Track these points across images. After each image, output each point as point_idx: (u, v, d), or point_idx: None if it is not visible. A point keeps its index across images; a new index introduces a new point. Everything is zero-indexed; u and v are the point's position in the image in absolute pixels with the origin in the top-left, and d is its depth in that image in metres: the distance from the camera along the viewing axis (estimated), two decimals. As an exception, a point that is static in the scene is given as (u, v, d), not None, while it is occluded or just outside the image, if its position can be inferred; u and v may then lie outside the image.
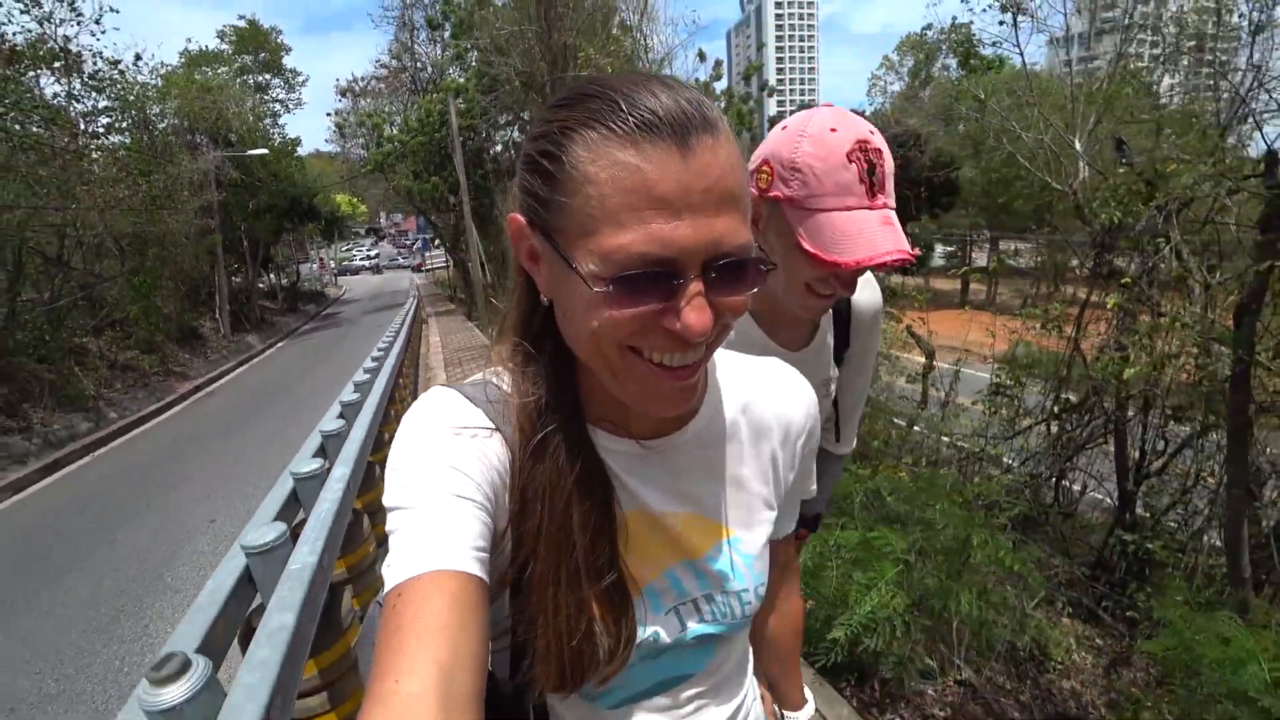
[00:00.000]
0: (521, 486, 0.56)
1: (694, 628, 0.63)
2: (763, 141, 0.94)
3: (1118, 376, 4.79)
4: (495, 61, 12.26)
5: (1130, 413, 5.03)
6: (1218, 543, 4.30)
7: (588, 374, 0.57)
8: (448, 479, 0.51)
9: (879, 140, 0.86)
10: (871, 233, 0.84)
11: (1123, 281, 4.81)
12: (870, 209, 0.85)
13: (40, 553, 5.36)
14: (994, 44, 8.30)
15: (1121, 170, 5.07)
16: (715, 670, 0.68)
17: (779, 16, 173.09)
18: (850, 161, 0.84)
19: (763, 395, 0.69)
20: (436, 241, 31.97)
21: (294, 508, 2.01)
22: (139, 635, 3.82)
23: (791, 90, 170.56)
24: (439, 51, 19.94)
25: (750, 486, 0.67)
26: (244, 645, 1.40)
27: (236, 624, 1.40)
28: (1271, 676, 1.47)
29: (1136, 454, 5.05)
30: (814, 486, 0.78)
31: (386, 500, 0.52)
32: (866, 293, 1.17)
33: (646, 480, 0.62)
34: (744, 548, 0.66)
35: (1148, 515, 5.14)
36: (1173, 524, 5.04)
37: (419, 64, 21.36)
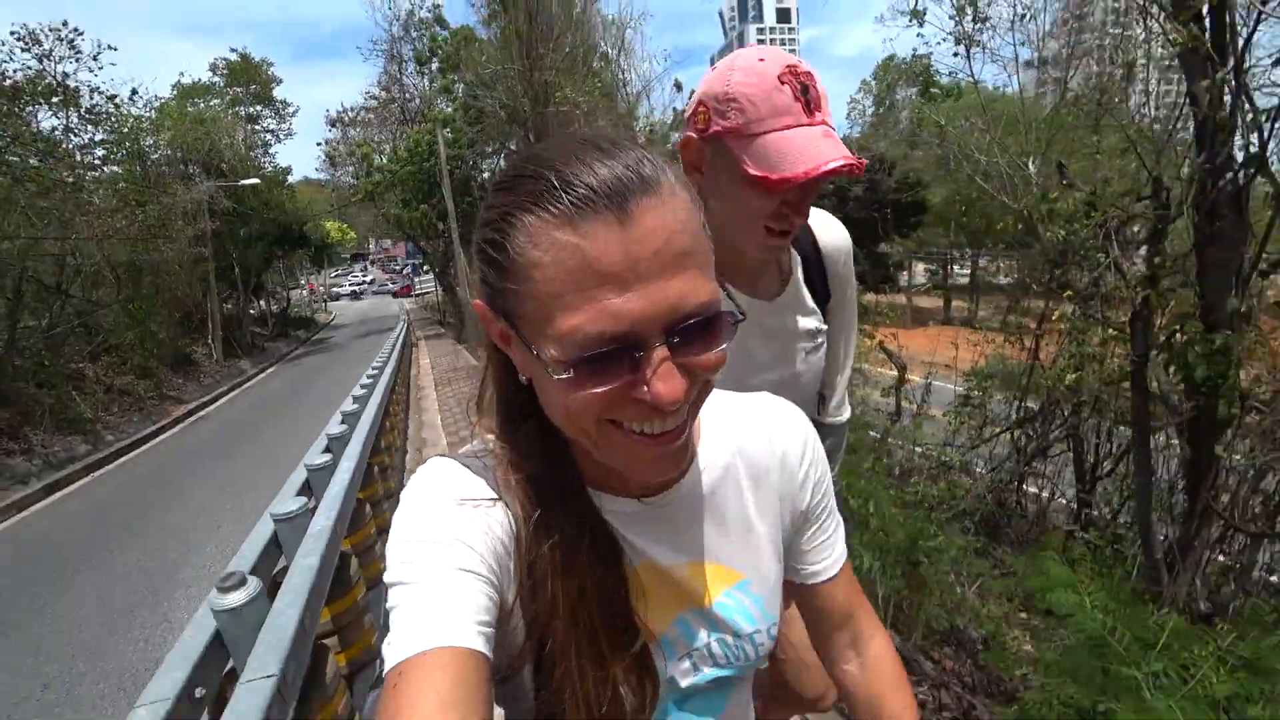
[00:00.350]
0: (530, 562, 0.55)
1: (708, 672, 0.63)
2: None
3: (1064, 384, 5.27)
4: (481, 95, 12.75)
5: (1084, 417, 5.46)
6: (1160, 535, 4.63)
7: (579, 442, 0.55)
8: (451, 552, 0.51)
9: (808, 66, 0.89)
10: (814, 145, 0.85)
11: (1066, 294, 5.27)
12: (810, 125, 0.87)
13: (52, 561, 5.66)
14: (950, 74, 8.87)
15: (1064, 191, 5.55)
16: (730, 713, 0.69)
17: (761, 42, 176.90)
18: (783, 84, 0.85)
19: (755, 433, 0.68)
20: (425, 266, 32.40)
21: (307, 493, 2.39)
22: (159, 621, 4.15)
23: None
24: (427, 84, 20.54)
25: (755, 527, 0.67)
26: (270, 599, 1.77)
27: (274, 563, 1.77)
28: (1090, 603, 1.87)
29: (1092, 458, 5.46)
30: (838, 520, 0.76)
31: (388, 576, 0.51)
32: (832, 233, 1.15)
33: (650, 536, 0.62)
34: (754, 589, 0.66)
35: (1100, 514, 5.54)
36: (1127, 520, 5.43)
37: (408, 95, 21.96)
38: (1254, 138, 3.13)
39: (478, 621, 0.48)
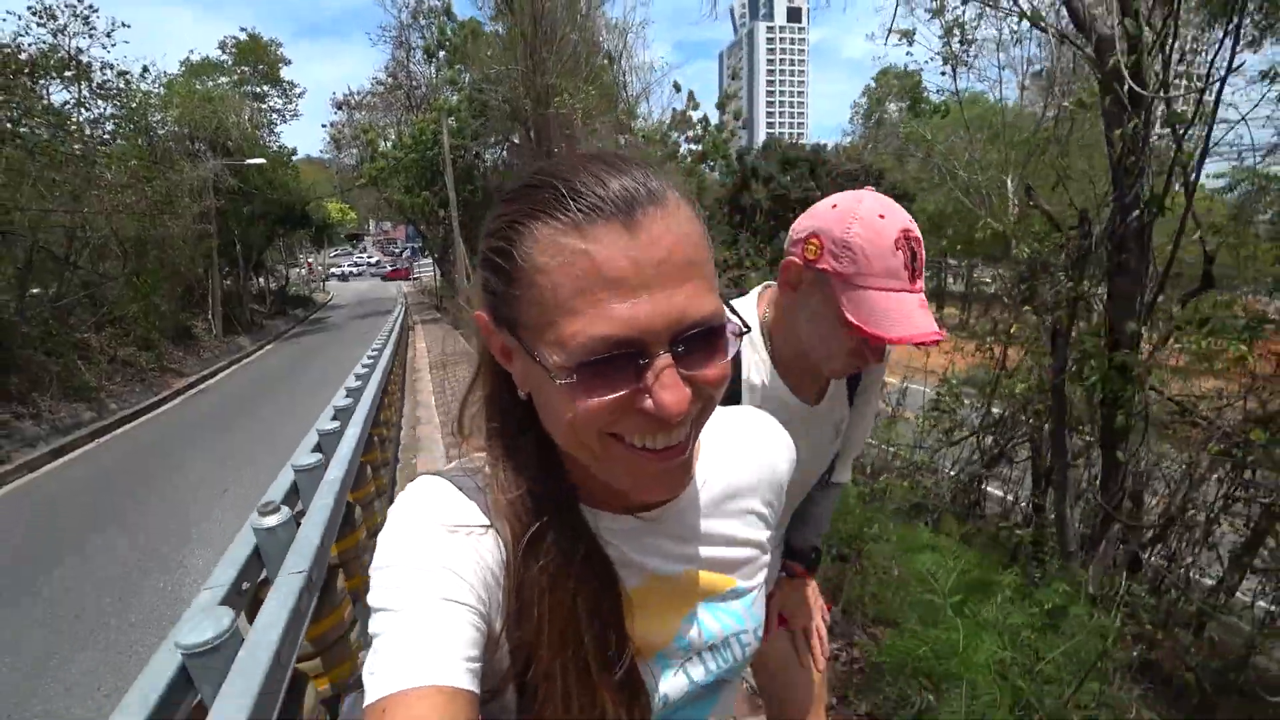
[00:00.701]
0: (518, 585, 0.54)
1: (700, 678, 0.64)
2: (805, 214, 1.03)
3: (1017, 392, 5.73)
4: (486, 89, 13.09)
5: (1041, 424, 5.91)
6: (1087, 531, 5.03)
7: (577, 458, 0.53)
8: (439, 581, 0.50)
9: (917, 230, 0.96)
10: (913, 314, 0.93)
11: (1024, 307, 5.72)
12: (911, 292, 0.94)
13: (68, 517, 6.03)
14: (938, 91, 9.31)
15: (1031, 211, 5.99)
16: (719, 715, 0.70)
17: (770, 40, 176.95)
18: (897, 249, 0.92)
19: (748, 448, 0.71)
20: (425, 251, 32.77)
21: (319, 452, 2.81)
22: (178, 565, 4.58)
23: (783, 112, 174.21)
24: (433, 72, 20.83)
25: (745, 535, 0.68)
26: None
27: (293, 505, 2.20)
28: (952, 567, 2.32)
29: (1048, 462, 5.90)
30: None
31: (373, 600, 0.50)
32: None
33: (648, 550, 0.62)
34: (744, 593, 0.68)
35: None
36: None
37: (414, 83, 22.27)
38: (1165, 179, 3.55)
39: (465, 658, 0.47)
